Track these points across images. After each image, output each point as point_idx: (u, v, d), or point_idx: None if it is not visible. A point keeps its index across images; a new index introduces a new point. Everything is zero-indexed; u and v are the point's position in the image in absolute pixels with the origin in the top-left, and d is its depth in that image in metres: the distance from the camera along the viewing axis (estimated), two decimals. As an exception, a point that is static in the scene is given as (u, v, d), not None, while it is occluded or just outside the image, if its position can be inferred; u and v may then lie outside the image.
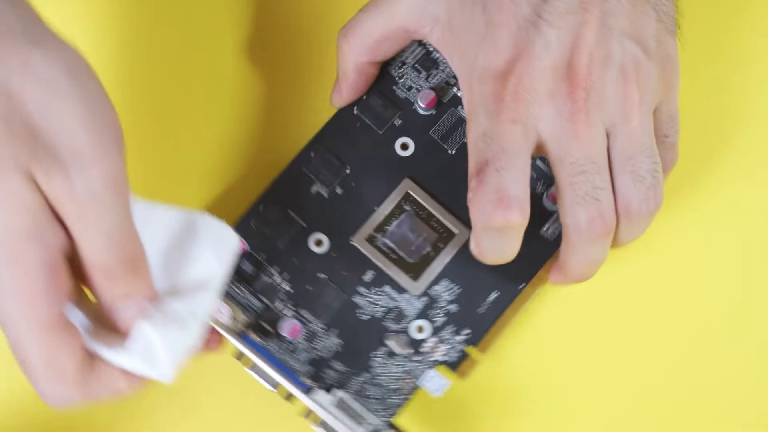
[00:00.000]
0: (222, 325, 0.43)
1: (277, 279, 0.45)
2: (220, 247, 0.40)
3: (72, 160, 0.36)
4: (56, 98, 0.36)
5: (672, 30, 0.43)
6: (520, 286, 0.46)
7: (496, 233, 0.41)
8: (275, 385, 0.44)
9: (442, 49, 0.44)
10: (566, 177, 0.41)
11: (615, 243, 0.43)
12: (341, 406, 0.44)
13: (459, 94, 0.46)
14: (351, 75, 0.45)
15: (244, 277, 0.45)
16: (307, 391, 0.44)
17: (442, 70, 0.47)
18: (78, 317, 0.38)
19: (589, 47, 0.41)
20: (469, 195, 0.42)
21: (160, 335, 0.38)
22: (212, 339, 0.43)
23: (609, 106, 0.41)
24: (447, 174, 0.46)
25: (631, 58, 0.42)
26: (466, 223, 0.46)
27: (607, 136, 0.42)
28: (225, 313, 0.44)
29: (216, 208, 0.47)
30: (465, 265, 0.46)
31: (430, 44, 0.46)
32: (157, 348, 0.38)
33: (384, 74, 0.47)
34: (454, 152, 0.47)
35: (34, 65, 0.36)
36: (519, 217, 0.41)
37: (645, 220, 0.42)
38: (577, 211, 0.41)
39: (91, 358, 0.38)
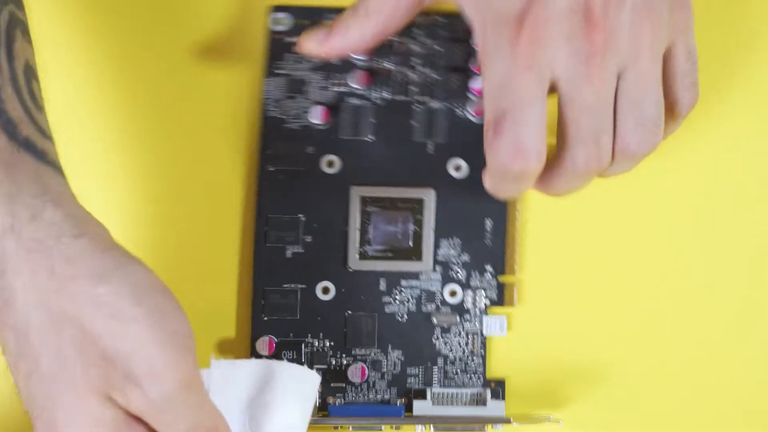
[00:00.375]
0: None
1: (318, 343, 0.48)
2: (301, 391, 0.43)
3: (145, 376, 0.39)
4: (124, 324, 0.39)
5: None
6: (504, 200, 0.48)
7: (513, 179, 0.42)
8: (380, 428, 0.46)
9: None
10: (573, 116, 0.42)
11: (602, 174, 0.44)
12: (438, 400, 0.47)
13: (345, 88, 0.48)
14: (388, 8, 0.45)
15: (293, 362, 0.47)
16: (406, 411, 0.47)
17: (309, 89, 0.48)
18: None
19: None
20: (487, 143, 0.42)
21: None
22: None
23: (623, 48, 0.41)
24: (379, 159, 0.48)
25: (642, 1, 0.41)
26: (425, 183, 0.48)
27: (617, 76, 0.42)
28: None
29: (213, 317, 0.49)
30: (450, 217, 0.48)
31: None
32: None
33: (270, 121, 0.48)
34: (372, 138, 0.48)
35: (101, 297, 0.39)
36: (536, 165, 0.42)
37: (638, 160, 0.43)
38: (578, 150, 0.42)
39: None
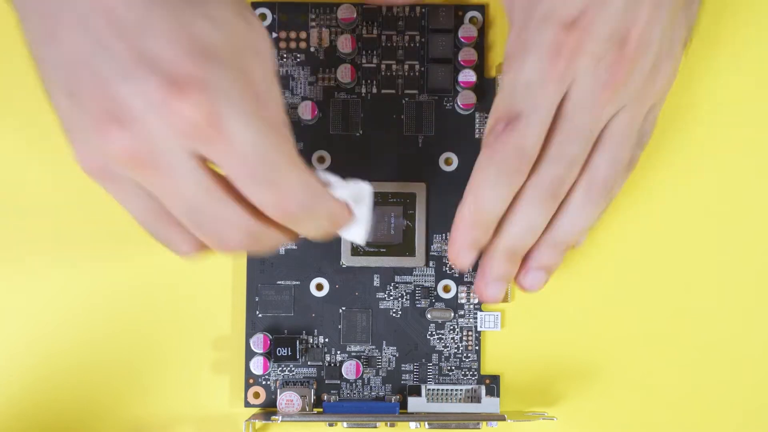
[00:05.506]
0: (297, 413, 0.46)
1: (312, 339, 0.47)
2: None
3: None
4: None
5: (687, 41, 0.44)
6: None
7: (506, 176, 0.41)
8: (375, 425, 0.46)
9: None
10: (560, 133, 0.41)
11: (555, 229, 0.43)
12: (435, 397, 0.47)
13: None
14: None
15: (288, 358, 0.47)
16: (401, 408, 0.46)
17: (296, 85, 0.48)
18: None
19: (642, 28, 0.41)
20: (493, 134, 0.41)
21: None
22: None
23: (634, 89, 0.42)
24: (368, 154, 0.47)
25: (661, 52, 0.42)
26: (416, 178, 0.47)
27: None
28: (295, 402, 0.46)
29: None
30: (441, 211, 0.47)
31: None
32: (364, 196, 0.40)
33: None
34: (361, 133, 0.48)
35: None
36: (527, 171, 0.42)
37: (597, 201, 0.43)
38: (548, 167, 0.42)
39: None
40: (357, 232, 0.41)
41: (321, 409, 0.47)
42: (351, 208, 0.40)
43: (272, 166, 0.35)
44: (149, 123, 0.34)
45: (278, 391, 0.47)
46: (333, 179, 0.40)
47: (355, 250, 0.47)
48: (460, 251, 0.43)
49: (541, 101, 0.41)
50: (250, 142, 0.35)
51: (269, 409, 0.47)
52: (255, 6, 0.48)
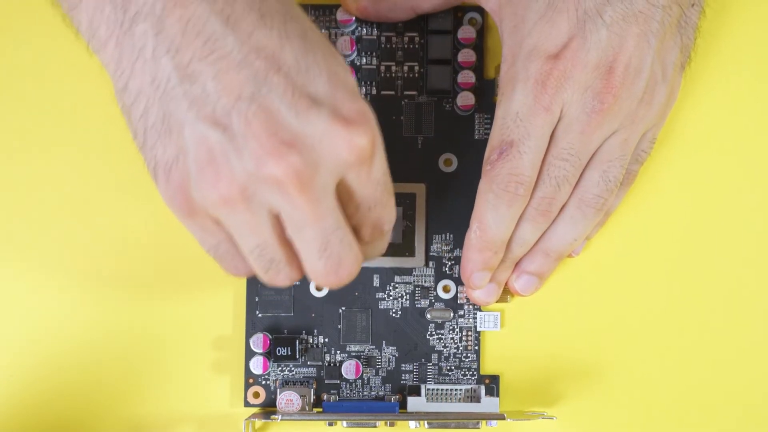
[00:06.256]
0: (297, 413, 0.46)
1: (312, 339, 0.48)
2: None
3: None
4: None
5: (684, 64, 0.45)
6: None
7: (504, 199, 0.44)
8: (375, 425, 0.46)
9: (495, 15, 0.46)
10: (550, 156, 0.44)
11: (547, 240, 0.45)
12: (432, 396, 0.47)
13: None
14: None
15: (288, 358, 0.47)
16: (400, 407, 0.46)
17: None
18: None
19: (629, 56, 0.43)
20: (489, 163, 0.44)
21: None
22: None
23: (621, 115, 0.43)
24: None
25: (654, 77, 0.44)
26: (415, 179, 0.48)
27: None
28: (295, 401, 0.46)
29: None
30: (441, 212, 0.48)
31: None
32: None
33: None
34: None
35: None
36: (526, 193, 0.44)
37: (587, 216, 0.45)
38: (539, 188, 0.44)
39: None
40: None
41: (321, 409, 0.47)
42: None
43: (388, 192, 0.40)
44: (321, 149, 0.37)
45: (278, 390, 0.47)
46: None
47: (355, 251, 0.48)
48: (472, 274, 0.45)
49: (531, 129, 0.43)
50: (382, 171, 0.39)
51: (269, 409, 0.47)
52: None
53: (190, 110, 0.36)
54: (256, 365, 0.47)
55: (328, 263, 0.39)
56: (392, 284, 0.48)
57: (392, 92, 0.48)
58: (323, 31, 0.48)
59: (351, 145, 0.37)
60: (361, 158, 0.37)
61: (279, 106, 0.36)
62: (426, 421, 0.46)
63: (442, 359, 0.48)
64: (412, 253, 0.48)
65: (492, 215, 0.44)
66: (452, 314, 0.48)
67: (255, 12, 0.37)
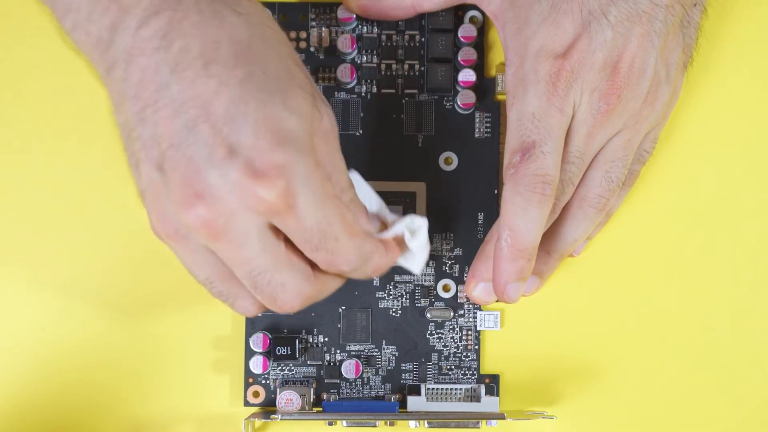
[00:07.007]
0: (297, 412, 0.46)
1: (312, 338, 0.47)
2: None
3: None
4: None
5: (686, 63, 0.45)
6: (495, 192, 0.47)
7: (534, 202, 0.43)
8: (375, 424, 0.46)
9: (497, 19, 0.46)
10: None
11: (549, 239, 0.45)
12: (432, 395, 0.47)
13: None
14: None
15: (287, 357, 0.47)
16: (400, 407, 0.46)
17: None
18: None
19: (633, 57, 0.43)
20: (512, 166, 0.43)
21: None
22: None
23: (626, 115, 0.44)
24: (369, 153, 0.48)
25: (657, 77, 0.44)
26: (416, 177, 0.48)
27: None
28: (295, 401, 0.46)
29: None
30: (441, 211, 0.47)
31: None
32: (420, 228, 0.42)
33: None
34: (360, 132, 0.48)
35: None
36: (553, 194, 0.43)
37: (589, 216, 0.45)
38: None
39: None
40: (413, 263, 0.43)
41: (320, 408, 0.47)
42: (407, 241, 0.42)
43: (331, 238, 0.39)
44: (229, 201, 0.37)
45: (278, 390, 0.47)
46: (391, 217, 0.42)
47: (355, 250, 0.47)
48: (507, 286, 0.44)
49: (551, 129, 0.43)
50: (315, 219, 0.39)
51: (269, 408, 0.47)
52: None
53: (142, 151, 0.38)
54: (256, 365, 0.47)
55: (264, 299, 0.40)
56: (392, 283, 0.48)
57: (393, 90, 0.48)
58: (323, 29, 0.48)
59: (257, 199, 0.37)
60: (272, 211, 0.38)
61: (200, 156, 0.37)
62: (426, 421, 0.46)
63: (442, 359, 0.47)
64: (412, 253, 0.47)
65: (522, 219, 0.43)
66: (452, 314, 0.48)
67: (202, 59, 0.38)
